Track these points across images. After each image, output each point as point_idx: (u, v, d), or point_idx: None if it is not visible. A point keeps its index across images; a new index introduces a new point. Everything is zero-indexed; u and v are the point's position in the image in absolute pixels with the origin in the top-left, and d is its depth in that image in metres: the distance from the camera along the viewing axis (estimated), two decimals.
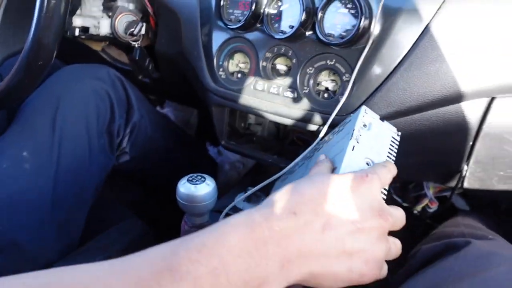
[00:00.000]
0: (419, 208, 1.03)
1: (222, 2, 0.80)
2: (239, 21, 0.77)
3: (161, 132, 1.13)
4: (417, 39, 0.66)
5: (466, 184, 0.86)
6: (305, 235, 0.40)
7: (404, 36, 0.67)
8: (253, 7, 0.75)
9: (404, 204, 1.06)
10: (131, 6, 1.00)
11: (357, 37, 0.68)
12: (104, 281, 0.35)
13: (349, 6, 0.68)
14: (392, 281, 0.69)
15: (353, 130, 0.53)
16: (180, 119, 1.57)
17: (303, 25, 0.71)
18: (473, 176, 0.82)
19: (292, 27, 0.72)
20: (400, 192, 1.07)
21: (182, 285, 0.35)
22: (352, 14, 0.68)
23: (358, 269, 0.42)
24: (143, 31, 1.00)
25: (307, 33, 0.73)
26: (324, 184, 0.43)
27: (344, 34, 0.69)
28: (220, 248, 0.37)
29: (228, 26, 0.79)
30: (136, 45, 0.99)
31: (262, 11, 0.75)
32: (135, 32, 0.97)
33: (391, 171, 0.49)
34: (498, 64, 0.65)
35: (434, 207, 1.01)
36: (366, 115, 0.58)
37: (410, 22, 0.66)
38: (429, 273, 0.59)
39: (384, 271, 0.45)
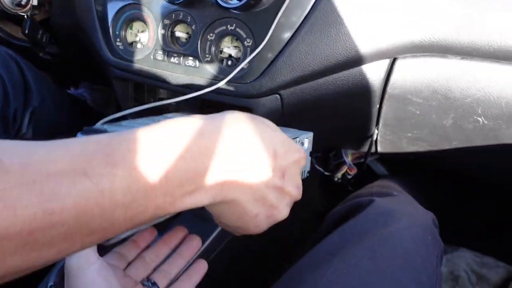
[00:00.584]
0: (339, 175, 1.03)
1: None
2: None
3: (68, 115, 1.04)
4: (314, 2, 0.64)
5: (379, 148, 0.86)
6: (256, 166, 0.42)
7: None
8: None
9: (326, 173, 1.06)
10: None
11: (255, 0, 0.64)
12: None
13: None
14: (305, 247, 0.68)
15: None
16: (98, 101, 1.47)
17: None
18: (384, 139, 0.82)
19: None
20: (321, 161, 1.07)
21: (116, 170, 0.33)
22: None
23: (260, 220, 0.45)
24: (34, 2, 0.90)
25: None
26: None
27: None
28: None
29: None
30: (25, 17, 0.89)
31: None
32: (23, 3, 0.87)
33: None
34: (396, 25, 0.64)
35: (353, 173, 1.02)
36: None
37: None
38: (334, 235, 0.58)
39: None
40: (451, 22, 0.62)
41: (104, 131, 0.55)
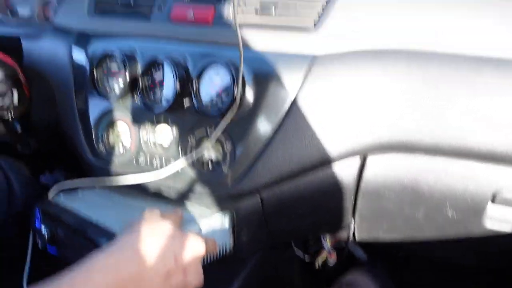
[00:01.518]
0: (320, 261, 1.04)
1: (95, 74, 0.76)
2: (115, 92, 0.74)
3: None
4: (290, 106, 0.68)
5: (357, 237, 0.88)
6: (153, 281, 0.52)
7: (277, 103, 0.69)
8: (127, 78, 0.72)
9: (306, 260, 1.06)
10: (0, 75, 0.92)
11: (233, 106, 0.68)
12: None
13: (221, 74, 0.69)
14: None
15: None
16: None
17: (179, 96, 0.70)
18: (360, 229, 0.85)
19: (168, 100, 0.70)
20: (301, 247, 1.07)
21: None
22: (225, 83, 0.68)
23: None
24: (15, 101, 0.92)
25: (185, 104, 0.72)
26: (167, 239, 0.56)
27: (220, 104, 0.69)
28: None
29: (104, 98, 0.76)
30: (9, 118, 0.91)
31: (137, 82, 0.73)
32: (5, 106, 0.89)
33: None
34: (363, 126, 0.69)
35: (333, 259, 1.02)
36: None
37: (281, 89, 0.68)
38: None
39: None
40: (414, 122, 0.67)
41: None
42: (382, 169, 0.73)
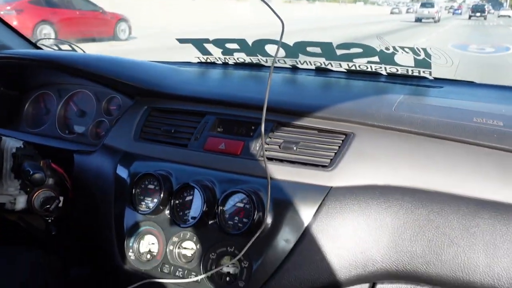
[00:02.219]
0: None
1: (134, 190, 0.87)
2: (149, 207, 0.84)
3: None
4: (304, 231, 0.77)
5: None
6: None
7: (293, 228, 0.77)
8: (162, 196, 0.83)
9: None
10: (51, 180, 1.04)
11: (252, 227, 0.76)
12: None
13: (244, 201, 0.78)
14: None
15: None
16: None
17: (205, 215, 0.79)
18: None
19: (194, 217, 0.80)
20: None
21: None
22: (247, 207, 0.78)
23: None
24: (60, 204, 1.03)
25: (210, 222, 0.81)
26: None
27: (241, 225, 0.78)
28: None
29: (139, 212, 0.86)
30: (50, 220, 1.01)
31: (170, 200, 0.83)
32: (51, 209, 1.00)
33: None
34: (371, 255, 0.75)
35: None
36: None
37: (298, 215, 0.77)
38: None
39: None
40: (417, 255, 0.74)
41: None
42: None
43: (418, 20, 24.19)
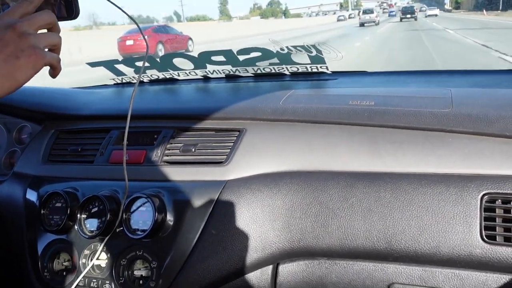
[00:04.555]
0: None
1: (42, 210, 0.89)
2: (58, 225, 0.87)
3: None
4: (205, 224, 0.82)
5: None
6: None
7: (194, 224, 0.82)
8: (68, 212, 0.86)
9: None
10: None
11: (156, 229, 0.81)
12: None
13: (146, 204, 0.83)
14: None
15: None
16: None
17: (111, 224, 0.82)
18: None
19: (100, 228, 0.83)
20: None
21: None
22: (150, 210, 0.82)
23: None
24: None
25: (117, 230, 0.84)
26: None
27: (145, 228, 0.82)
28: None
29: (50, 231, 0.88)
30: None
31: (77, 215, 0.86)
32: None
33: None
34: (270, 238, 0.81)
35: None
36: None
37: (197, 212, 0.82)
38: None
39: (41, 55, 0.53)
40: (308, 231, 0.80)
41: None
42: (293, 275, 0.84)
43: (362, 24, 29.53)
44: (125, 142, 0.83)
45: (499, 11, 38.54)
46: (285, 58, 1.22)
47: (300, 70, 1.24)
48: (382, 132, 0.83)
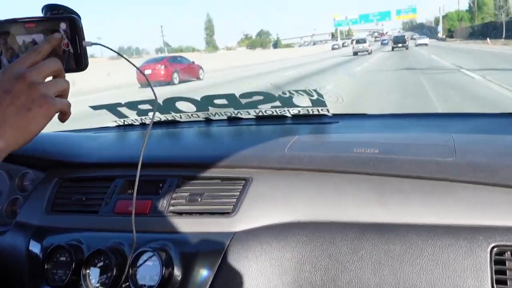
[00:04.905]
0: None
1: (46, 265, 0.88)
2: (63, 281, 0.85)
3: None
4: (213, 277, 0.81)
5: None
6: None
7: (203, 277, 0.81)
8: (73, 267, 0.84)
9: None
10: None
11: (163, 285, 0.79)
12: None
13: (153, 258, 0.82)
14: None
15: None
16: None
17: (117, 279, 0.81)
18: None
19: (106, 284, 0.81)
20: None
21: None
22: (156, 265, 0.81)
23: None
24: None
25: (123, 285, 0.83)
26: None
27: (152, 283, 0.80)
28: None
29: (52, 286, 0.86)
30: None
31: (82, 269, 0.85)
32: None
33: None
34: None
35: None
36: None
37: (205, 264, 0.81)
38: None
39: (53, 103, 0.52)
40: (320, 286, 0.79)
41: None
42: None
43: (355, 53, 30.60)
44: (134, 194, 0.82)
45: (503, 39, 35.09)
46: (286, 101, 1.24)
47: (301, 113, 1.26)
48: (388, 181, 0.83)
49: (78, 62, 0.59)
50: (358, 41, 33.81)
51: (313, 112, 1.24)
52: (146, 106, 1.36)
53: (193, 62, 17.76)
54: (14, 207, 1.16)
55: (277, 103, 1.26)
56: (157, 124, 1.42)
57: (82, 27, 0.58)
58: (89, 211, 0.96)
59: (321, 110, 1.23)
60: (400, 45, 33.36)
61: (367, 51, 31.26)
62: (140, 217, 0.90)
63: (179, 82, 15.56)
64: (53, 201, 1.01)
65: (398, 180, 0.82)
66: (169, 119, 1.36)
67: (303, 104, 1.25)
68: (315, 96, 1.19)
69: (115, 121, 1.44)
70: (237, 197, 0.89)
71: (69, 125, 0.72)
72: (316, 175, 0.88)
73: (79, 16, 0.59)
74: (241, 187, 0.90)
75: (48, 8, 0.59)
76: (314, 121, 1.27)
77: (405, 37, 36.66)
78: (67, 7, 0.59)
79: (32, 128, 0.51)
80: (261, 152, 0.96)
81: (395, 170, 0.83)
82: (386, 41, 54.82)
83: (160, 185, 0.96)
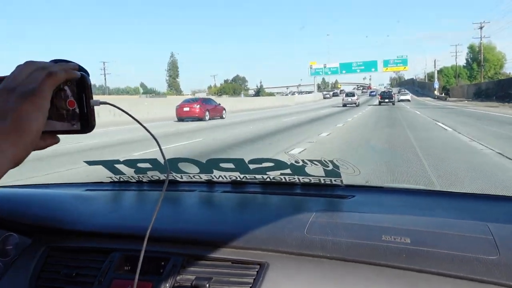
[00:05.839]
0: None
1: None
2: None
3: None
4: None
5: None
6: None
7: None
8: None
9: None
10: None
11: None
12: None
13: None
14: None
15: None
16: None
17: None
18: None
19: None
20: None
21: None
22: None
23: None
24: None
25: None
26: None
27: None
28: None
29: None
30: None
31: None
32: None
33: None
34: None
35: None
36: None
37: None
38: None
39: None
40: None
41: None
42: None
43: (345, 105, 34.00)
44: (137, 275, 0.71)
45: None
46: (298, 169, 1.17)
47: (312, 182, 1.19)
48: (425, 279, 0.74)
49: (84, 123, 0.51)
50: (347, 94, 36.91)
51: (325, 181, 1.17)
52: (146, 165, 1.27)
53: (219, 104, 21.21)
54: None
55: (287, 171, 1.18)
56: (154, 183, 1.33)
57: (90, 85, 0.51)
58: None
59: (335, 180, 1.15)
60: (387, 100, 34.62)
61: (355, 103, 34.22)
62: None
63: (209, 119, 19.08)
64: (39, 274, 0.89)
65: (436, 279, 0.73)
66: (169, 178, 1.27)
67: (315, 174, 1.18)
68: (330, 167, 1.12)
69: (110, 177, 1.35)
70: (250, 284, 0.78)
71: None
72: (340, 265, 0.78)
73: (87, 73, 0.52)
74: (255, 273, 0.80)
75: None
76: (326, 192, 1.19)
77: (392, 92, 38.02)
78: (75, 63, 0.52)
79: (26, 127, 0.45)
80: (278, 232, 0.86)
81: (432, 266, 0.74)
82: (374, 93, 56.24)
83: (162, 263, 0.85)
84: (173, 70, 79.45)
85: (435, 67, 70.06)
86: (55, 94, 0.49)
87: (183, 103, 19.85)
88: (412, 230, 0.86)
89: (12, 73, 0.49)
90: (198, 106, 19.12)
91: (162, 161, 1.23)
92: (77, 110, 0.51)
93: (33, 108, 0.45)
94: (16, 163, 0.44)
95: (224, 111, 21.10)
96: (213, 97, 28.92)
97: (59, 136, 0.52)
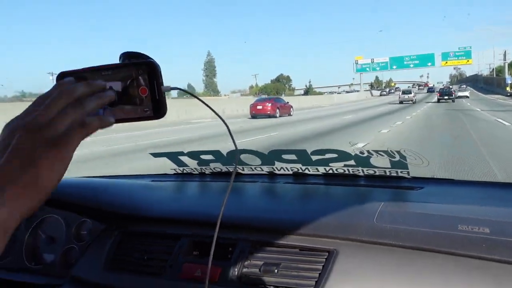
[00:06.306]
0: None
1: None
2: None
3: None
4: None
5: None
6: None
7: None
8: None
9: None
10: None
11: None
12: None
13: None
14: None
15: None
16: None
17: None
18: None
19: None
20: None
21: None
22: None
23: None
24: None
25: None
26: None
27: None
28: None
29: None
30: None
31: None
32: None
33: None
34: None
35: None
36: None
37: None
38: None
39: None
40: None
41: None
42: None
43: (401, 102, 34.37)
44: (210, 260, 0.72)
45: None
46: (363, 160, 1.14)
47: (377, 173, 1.15)
48: (505, 270, 0.69)
49: (157, 108, 0.53)
50: (404, 92, 37.98)
51: (390, 173, 1.13)
52: (209, 157, 1.30)
53: (288, 102, 22.87)
54: (68, 257, 1.09)
55: (351, 162, 1.16)
56: (217, 174, 1.35)
57: (161, 72, 0.53)
58: (151, 273, 0.87)
59: (401, 172, 1.11)
60: (446, 97, 33.11)
61: (411, 100, 34.53)
62: (209, 285, 0.80)
63: (279, 116, 20.40)
64: (113, 257, 0.93)
65: None
66: (230, 170, 1.28)
67: (380, 165, 1.14)
68: (397, 158, 1.08)
69: (174, 169, 1.39)
70: (319, 271, 0.77)
71: None
72: (414, 253, 0.75)
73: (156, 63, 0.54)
74: (324, 259, 0.79)
75: (125, 55, 0.54)
76: (392, 184, 1.15)
77: (452, 89, 36.39)
78: (144, 54, 0.54)
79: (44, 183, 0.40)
80: (347, 220, 0.85)
81: None
82: (433, 89, 53.89)
83: (230, 249, 0.86)
84: (210, 69, 76.57)
85: (505, 59, 59.12)
86: (129, 83, 0.51)
87: (256, 102, 21.88)
88: (490, 221, 0.81)
89: (42, 98, 0.44)
90: (270, 104, 20.78)
91: (224, 153, 1.26)
92: (150, 97, 0.52)
93: (59, 158, 0.41)
94: (28, 215, 0.40)
95: (291, 109, 22.45)
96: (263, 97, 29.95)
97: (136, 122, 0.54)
